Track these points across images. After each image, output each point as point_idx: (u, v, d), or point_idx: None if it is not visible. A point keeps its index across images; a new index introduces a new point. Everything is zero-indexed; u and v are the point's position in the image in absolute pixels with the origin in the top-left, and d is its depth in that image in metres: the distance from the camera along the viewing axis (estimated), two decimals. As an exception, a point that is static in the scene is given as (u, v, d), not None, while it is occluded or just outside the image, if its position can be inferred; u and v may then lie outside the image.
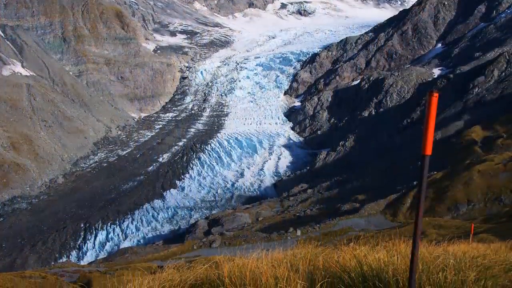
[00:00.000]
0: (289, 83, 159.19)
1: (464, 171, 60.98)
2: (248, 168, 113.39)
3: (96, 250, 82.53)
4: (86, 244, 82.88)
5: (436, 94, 4.94)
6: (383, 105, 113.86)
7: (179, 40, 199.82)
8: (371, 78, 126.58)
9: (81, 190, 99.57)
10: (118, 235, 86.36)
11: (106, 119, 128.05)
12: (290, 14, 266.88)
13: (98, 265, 51.63)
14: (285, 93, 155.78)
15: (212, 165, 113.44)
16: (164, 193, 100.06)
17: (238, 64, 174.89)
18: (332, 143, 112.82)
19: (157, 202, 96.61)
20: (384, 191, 69.16)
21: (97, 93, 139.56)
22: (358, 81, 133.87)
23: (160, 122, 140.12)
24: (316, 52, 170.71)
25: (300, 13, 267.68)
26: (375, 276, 5.96)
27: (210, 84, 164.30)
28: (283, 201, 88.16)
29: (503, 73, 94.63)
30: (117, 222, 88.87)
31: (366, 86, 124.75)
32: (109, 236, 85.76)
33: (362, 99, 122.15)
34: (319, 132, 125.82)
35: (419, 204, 5.20)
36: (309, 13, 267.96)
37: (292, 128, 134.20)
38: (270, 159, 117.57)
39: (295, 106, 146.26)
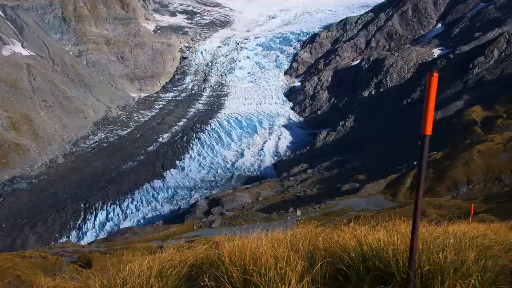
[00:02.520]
0: (289, 63, 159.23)
1: (464, 151, 60.98)
2: (248, 148, 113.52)
3: (96, 230, 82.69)
4: (86, 224, 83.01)
5: (436, 74, 4.91)
6: (383, 85, 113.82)
7: (179, 20, 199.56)
8: (371, 58, 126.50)
9: (81, 170, 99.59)
10: (118, 215, 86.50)
11: (106, 99, 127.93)
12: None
13: (98, 245, 51.72)
14: (285, 73, 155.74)
15: (212, 145, 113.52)
16: (164, 173, 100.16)
17: (238, 44, 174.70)
18: (332, 123, 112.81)
19: (157, 182, 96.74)
20: (384, 171, 69.22)
21: (97, 73, 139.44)
22: (358, 61, 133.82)
23: (160, 102, 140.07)
24: (316, 32, 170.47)
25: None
26: (375, 256, 5.95)
27: (210, 64, 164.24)
28: (283, 181, 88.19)
29: (503, 53, 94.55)
30: (117, 202, 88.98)
31: (366, 66, 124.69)
32: (109, 216, 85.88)
33: (362, 79, 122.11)
34: (319, 112, 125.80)
35: (419, 184, 5.19)
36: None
37: (292, 108, 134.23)
38: (270, 139, 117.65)
39: (295, 86, 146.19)
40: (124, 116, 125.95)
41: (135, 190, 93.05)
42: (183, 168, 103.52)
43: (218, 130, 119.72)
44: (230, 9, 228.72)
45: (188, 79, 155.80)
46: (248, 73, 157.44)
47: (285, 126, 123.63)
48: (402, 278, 5.50)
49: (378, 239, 6.46)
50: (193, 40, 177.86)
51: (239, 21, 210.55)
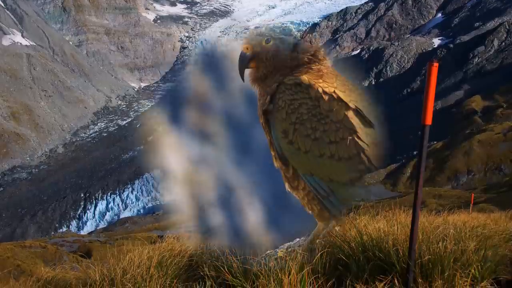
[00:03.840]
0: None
1: (464, 141, 60.97)
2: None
3: (96, 220, 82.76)
4: (86, 214, 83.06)
5: (436, 64, 4.86)
6: (383, 75, 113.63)
7: (179, 10, 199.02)
8: (371, 48, 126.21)
9: (81, 160, 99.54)
10: (118, 205, 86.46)
11: (106, 89, 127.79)
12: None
13: (98, 235, 51.77)
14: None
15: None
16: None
17: (238, 34, 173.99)
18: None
19: (157, 172, 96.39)
20: (384, 161, 69.19)
21: (97, 63, 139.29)
22: (358, 51, 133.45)
23: (160, 92, 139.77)
24: (316, 22, 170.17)
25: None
26: (375, 246, 5.92)
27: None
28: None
29: (503, 43, 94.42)
30: (117, 192, 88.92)
31: (366, 56, 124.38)
32: (109, 206, 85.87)
33: (362, 69, 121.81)
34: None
35: (419, 174, 5.15)
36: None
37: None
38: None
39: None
40: (124, 106, 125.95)
41: (135, 180, 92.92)
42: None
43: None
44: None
45: (188, 69, 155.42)
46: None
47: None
48: (402, 268, 5.48)
49: (378, 229, 6.42)
50: (193, 30, 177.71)
51: (239, 11, 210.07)
